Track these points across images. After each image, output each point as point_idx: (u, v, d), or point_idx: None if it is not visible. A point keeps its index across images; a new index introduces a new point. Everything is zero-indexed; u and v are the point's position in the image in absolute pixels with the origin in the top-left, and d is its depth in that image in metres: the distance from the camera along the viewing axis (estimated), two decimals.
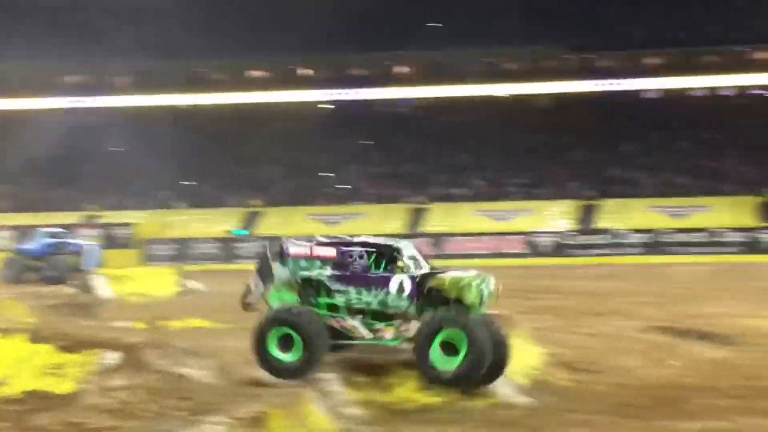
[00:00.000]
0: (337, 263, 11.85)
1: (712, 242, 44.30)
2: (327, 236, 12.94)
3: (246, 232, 49.22)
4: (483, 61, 59.14)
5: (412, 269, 11.60)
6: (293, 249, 12.09)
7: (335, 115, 59.37)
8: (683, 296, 23.61)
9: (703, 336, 15.86)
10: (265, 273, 12.12)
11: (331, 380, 11.07)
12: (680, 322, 17.51)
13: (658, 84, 58.33)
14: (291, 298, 12.02)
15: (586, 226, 48.23)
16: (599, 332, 17.23)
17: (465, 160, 54.05)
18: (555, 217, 49.15)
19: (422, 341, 11.11)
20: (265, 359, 11.38)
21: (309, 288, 11.93)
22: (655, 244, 45.66)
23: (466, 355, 10.95)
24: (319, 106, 60.50)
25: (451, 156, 54.56)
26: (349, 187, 53.56)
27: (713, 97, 58.03)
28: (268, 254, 12.22)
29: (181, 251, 46.16)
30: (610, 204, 49.51)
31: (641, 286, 28.48)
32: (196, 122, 59.16)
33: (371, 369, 11.50)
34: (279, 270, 12.05)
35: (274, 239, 14.05)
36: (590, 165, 52.80)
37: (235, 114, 59.91)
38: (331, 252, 11.94)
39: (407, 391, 11.24)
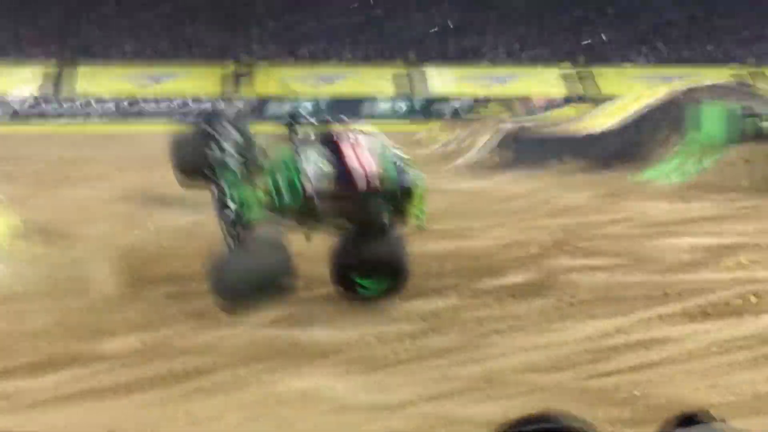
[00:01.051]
0: None
1: (181, 111, 45.49)
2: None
3: None
4: None
5: None
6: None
7: None
8: (154, 164, 24.01)
9: (170, 203, 16.40)
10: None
11: None
12: (150, 190, 17.97)
13: None
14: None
15: (56, 93, 47.04)
16: (73, 200, 17.20)
17: None
18: (21, 82, 47.29)
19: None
20: None
21: None
22: (125, 111, 45.92)
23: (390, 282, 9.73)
24: None
25: None
26: None
27: None
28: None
29: None
30: (82, 70, 48.57)
31: (113, 154, 28.62)
32: None
33: None
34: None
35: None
36: (59, 29, 51.14)
37: None
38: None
39: None
